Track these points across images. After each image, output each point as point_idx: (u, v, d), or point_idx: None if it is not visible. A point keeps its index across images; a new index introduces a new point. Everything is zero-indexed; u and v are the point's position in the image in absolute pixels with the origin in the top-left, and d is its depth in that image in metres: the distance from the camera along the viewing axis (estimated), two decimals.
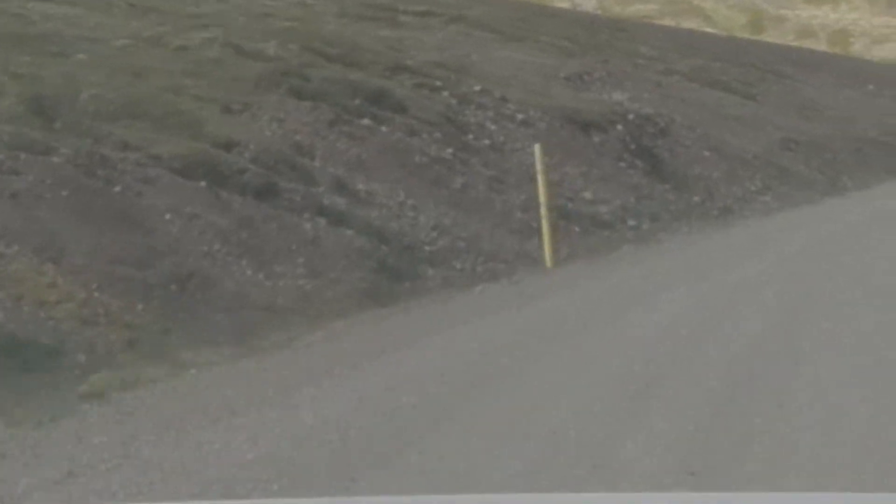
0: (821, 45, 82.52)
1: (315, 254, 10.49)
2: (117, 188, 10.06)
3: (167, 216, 10.00)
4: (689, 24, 64.96)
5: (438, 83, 16.50)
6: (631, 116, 18.20)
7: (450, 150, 14.43)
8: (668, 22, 57.79)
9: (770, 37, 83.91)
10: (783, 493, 4.21)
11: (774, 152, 24.59)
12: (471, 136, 15.00)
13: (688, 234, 14.60)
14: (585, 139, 16.51)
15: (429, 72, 17.31)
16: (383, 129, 14.08)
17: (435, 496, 4.31)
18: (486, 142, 15.00)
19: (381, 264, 10.82)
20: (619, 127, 17.30)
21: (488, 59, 25.85)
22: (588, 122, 17.05)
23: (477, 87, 16.53)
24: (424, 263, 11.36)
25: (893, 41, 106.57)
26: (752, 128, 27.07)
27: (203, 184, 10.75)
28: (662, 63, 33.06)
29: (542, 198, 12.46)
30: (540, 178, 12.52)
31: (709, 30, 79.51)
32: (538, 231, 12.69)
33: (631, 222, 14.36)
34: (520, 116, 16.02)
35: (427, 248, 11.70)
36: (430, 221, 12.24)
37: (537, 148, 12.88)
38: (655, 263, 12.27)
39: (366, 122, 13.96)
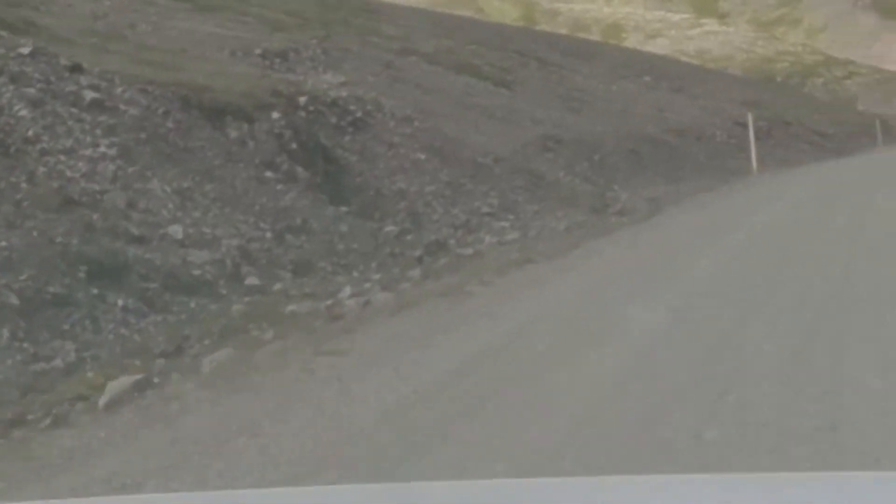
0: (594, 40, 79.01)
1: None
2: None
3: None
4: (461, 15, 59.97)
5: None
6: (303, 100, 11.96)
7: None
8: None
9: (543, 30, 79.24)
10: (784, 473, 3.82)
11: (528, 154, 18.79)
12: None
13: (361, 299, 8.40)
14: (210, 133, 10.17)
15: None
16: None
17: (428, 483, 3.90)
18: None
19: None
20: (276, 115, 11.01)
21: (159, 30, 19.27)
22: (222, 108, 10.70)
23: (26, 50, 9.91)
24: None
25: (666, 36, 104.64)
26: (504, 121, 21.26)
27: None
28: (403, 43, 27.01)
29: None
30: None
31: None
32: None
33: (251, 281, 8.14)
34: (91, 96, 9.57)
35: None
36: None
37: None
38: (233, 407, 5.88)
39: None
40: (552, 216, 13.88)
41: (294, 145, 10.69)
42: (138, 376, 6.35)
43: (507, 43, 34.70)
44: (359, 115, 13.07)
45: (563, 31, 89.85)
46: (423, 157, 13.10)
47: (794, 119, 39.86)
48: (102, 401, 6.07)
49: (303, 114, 11.89)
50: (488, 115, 21.44)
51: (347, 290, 8.28)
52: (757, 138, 29.34)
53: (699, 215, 15.97)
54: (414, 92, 21.20)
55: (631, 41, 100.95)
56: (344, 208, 10.35)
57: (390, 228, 10.50)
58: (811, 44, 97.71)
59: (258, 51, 19.64)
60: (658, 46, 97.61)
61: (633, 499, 2.10)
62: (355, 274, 9.05)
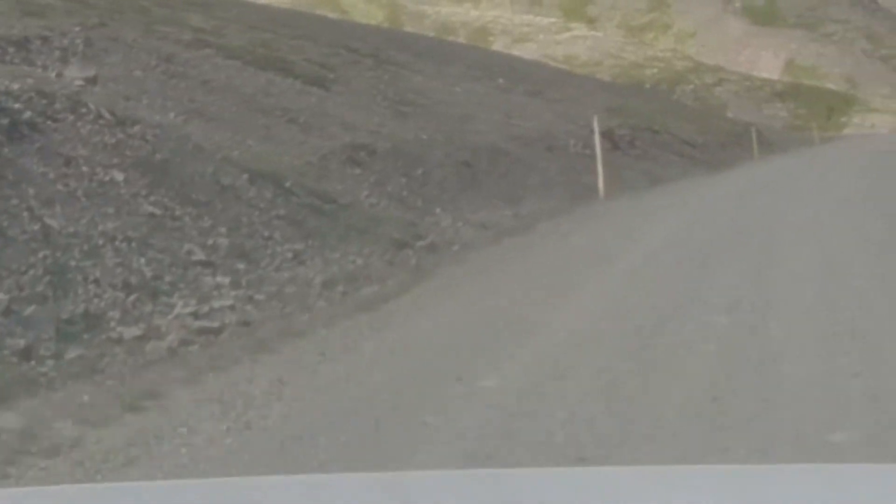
0: (460, 42, 75.66)
1: None
2: None
3: None
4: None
5: None
6: None
7: None
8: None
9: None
10: (778, 464, 4.01)
11: (325, 168, 14.78)
12: None
13: None
14: None
15: None
16: None
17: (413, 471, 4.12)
18: None
19: None
20: None
21: None
22: None
23: None
24: None
25: (534, 40, 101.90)
26: (306, 127, 17.21)
27: None
28: (205, 35, 22.76)
29: None
30: None
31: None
32: None
33: None
34: None
35: None
36: None
37: None
38: None
39: None
40: (320, 259, 9.83)
41: None
42: None
43: (343, 39, 30.65)
44: (27, 115, 8.88)
45: (430, 33, 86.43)
46: (121, 176, 8.95)
47: (662, 127, 36.57)
48: None
49: None
50: (288, 118, 17.37)
51: None
52: (617, 148, 25.77)
53: (537, 257, 12.09)
54: (194, 90, 17.05)
55: (498, 45, 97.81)
56: None
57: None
58: (681, 49, 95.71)
59: None
60: (526, 51, 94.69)
61: (632, 489, 2.10)
62: None
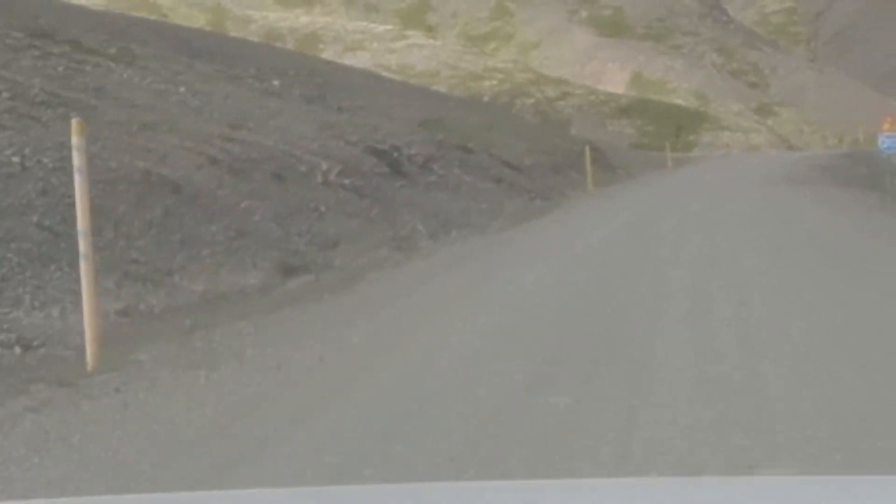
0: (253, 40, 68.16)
1: None
2: None
3: None
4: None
5: None
6: None
7: None
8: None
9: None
10: (778, 476, 4.10)
11: None
12: None
13: None
14: None
15: None
16: None
17: (430, 483, 4.11)
18: None
19: None
20: None
21: None
22: None
23: None
24: None
25: (368, 49, 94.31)
26: None
27: None
28: None
29: None
30: None
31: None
32: None
33: None
34: None
35: None
36: None
37: None
38: None
39: None
40: None
41: None
42: None
43: (32, 21, 22.39)
44: None
45: (255, 39, 78.19)
46: None
47: (482, 145, 29.22)
48: None
49: None
50: None
51: None
52: (398, 172, 18.30)
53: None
54: None
55: (329, 53, 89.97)
56: None
57: None
58: (523, 61, 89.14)
59: None
60: (358, 60, 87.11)
61: (624, 501, 2.05)
62: None
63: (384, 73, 71.54)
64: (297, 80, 29.93)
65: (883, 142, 25.87)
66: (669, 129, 70.56)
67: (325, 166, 15.61)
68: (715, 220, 18.60)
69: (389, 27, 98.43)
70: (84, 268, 7.27)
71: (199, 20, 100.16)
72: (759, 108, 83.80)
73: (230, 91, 22.86)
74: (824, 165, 35.39)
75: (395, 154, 18.78)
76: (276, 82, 27.05)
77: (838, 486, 2.14)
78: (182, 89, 19.65)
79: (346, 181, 15.36)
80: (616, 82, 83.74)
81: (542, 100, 74.80)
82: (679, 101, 79.29)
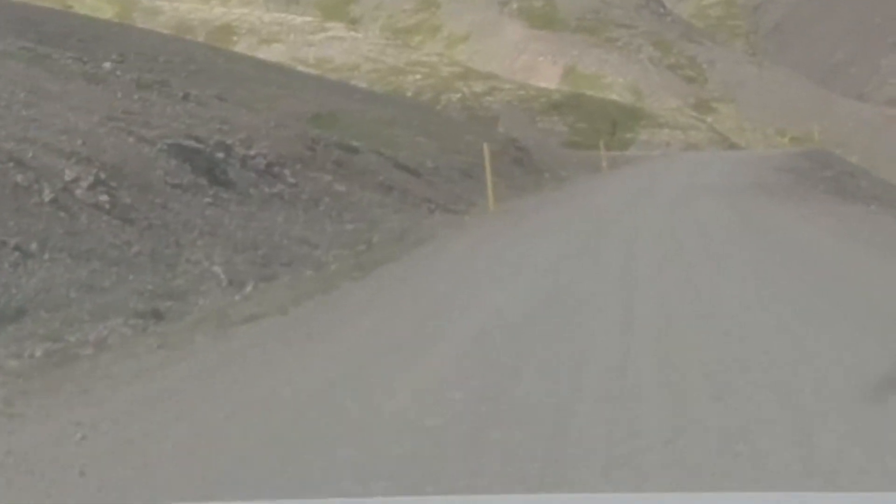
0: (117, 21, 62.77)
1: None
2: None
3: None
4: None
5: None
6: None
7: None
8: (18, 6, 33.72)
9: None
10: (779, 492, 4.13)
11: None
12: None
13: None
14: None
15: None
16: None
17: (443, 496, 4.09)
18: None
19: None
20: None
21: None
22: None
23: None
24: None
25: (282, 41, 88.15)
26: None
27: None
28: None
29: None
30: None
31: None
32: None
33: None
34: None
35: None
36: None
37: None
38: None
39: None
40: None
41: None
42: None
43: None
44: None
45: (165, 31, 72.08)
46: None
47: (375, 143, 23.80)
48: None
49: None
50: None
51: None
52: (217, 183, 12.79)
53: None
54: None
55: (243, 46, 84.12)
56: None
57: None
58: (449, 55, 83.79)
59: None
60: (273, 53, 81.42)
61: None
62: None
63: (300, 67, 65.92)
64: (143, 64, 24.39)
65: None
66: (604, 126, 65.50)
67: (69, 174, 10.08)
68: (682, 274, 11.16)
69: (309, 19, 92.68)
70: None
71: (106, 11, 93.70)
72: (697, 104, 79.07)
73: (15, 72, 17.23)
74: (788, 168, 29.86)
75: (220, 155, 13.33)
76: (106, 64, 21.45)
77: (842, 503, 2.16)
78: None
79: (104, 198, 9.87)
80: (549, 77, 78.73)
81: (468, 95, 69.45)
82: (614, 97, 74.39)
